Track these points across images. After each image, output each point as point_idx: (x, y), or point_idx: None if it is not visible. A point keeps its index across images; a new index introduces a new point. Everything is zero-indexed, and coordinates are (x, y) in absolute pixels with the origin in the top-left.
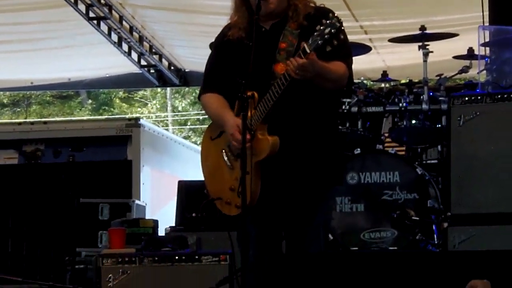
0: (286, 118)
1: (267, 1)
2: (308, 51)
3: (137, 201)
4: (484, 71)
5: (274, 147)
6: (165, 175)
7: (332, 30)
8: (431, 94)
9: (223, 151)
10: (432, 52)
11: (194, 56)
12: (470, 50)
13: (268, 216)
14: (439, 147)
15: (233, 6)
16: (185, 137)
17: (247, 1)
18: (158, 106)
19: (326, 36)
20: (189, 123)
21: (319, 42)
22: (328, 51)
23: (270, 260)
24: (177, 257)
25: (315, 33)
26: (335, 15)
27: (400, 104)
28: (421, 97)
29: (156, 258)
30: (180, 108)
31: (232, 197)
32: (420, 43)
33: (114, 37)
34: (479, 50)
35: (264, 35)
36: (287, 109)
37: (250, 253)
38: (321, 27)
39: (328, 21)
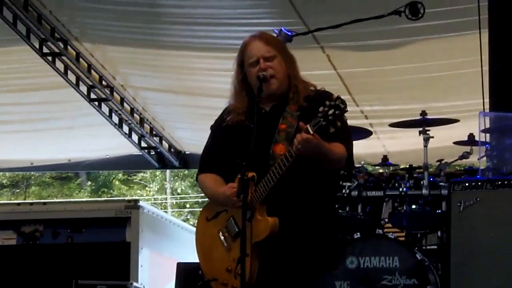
0: (285, 200)
1: (269, 82)
2: (311, 132)
3: (135, 284)
4: (485, 157)
5: (274, 228)
6: (164, 258)
7: (336, 112)
8: (431, 179)
9: (220, 232)
10: (432, 137)
11: (195, 138)
12: (471, 136)
13: None
14: (439, 232)
15: (232, 91)
16: (184, 220)
17: (247, 85)
18: (157, 189)
19: (330, 118)
20: (188, 206)
21: (323, 123)
22: (331, 133)
23: None
24: None
25: (319, 114)
26: (339, 97)
27: (400, 189)
28: (421, 182)
29: None
30: (179, 191)
31: (229, 278)
32: (421, 128)
33: (115, 119)
34: (479, 136)
35: (264, 116)
36: (286, 191)
37: None
38: (325, 108)
39: (332, 103)
